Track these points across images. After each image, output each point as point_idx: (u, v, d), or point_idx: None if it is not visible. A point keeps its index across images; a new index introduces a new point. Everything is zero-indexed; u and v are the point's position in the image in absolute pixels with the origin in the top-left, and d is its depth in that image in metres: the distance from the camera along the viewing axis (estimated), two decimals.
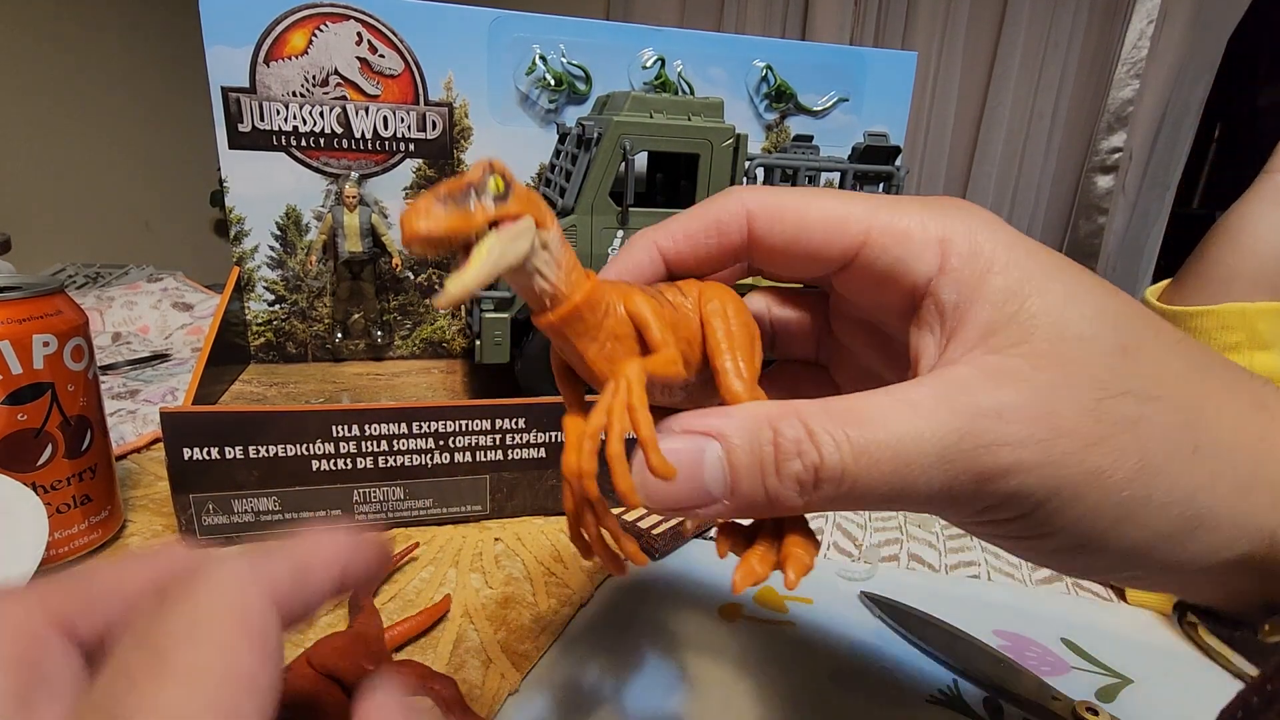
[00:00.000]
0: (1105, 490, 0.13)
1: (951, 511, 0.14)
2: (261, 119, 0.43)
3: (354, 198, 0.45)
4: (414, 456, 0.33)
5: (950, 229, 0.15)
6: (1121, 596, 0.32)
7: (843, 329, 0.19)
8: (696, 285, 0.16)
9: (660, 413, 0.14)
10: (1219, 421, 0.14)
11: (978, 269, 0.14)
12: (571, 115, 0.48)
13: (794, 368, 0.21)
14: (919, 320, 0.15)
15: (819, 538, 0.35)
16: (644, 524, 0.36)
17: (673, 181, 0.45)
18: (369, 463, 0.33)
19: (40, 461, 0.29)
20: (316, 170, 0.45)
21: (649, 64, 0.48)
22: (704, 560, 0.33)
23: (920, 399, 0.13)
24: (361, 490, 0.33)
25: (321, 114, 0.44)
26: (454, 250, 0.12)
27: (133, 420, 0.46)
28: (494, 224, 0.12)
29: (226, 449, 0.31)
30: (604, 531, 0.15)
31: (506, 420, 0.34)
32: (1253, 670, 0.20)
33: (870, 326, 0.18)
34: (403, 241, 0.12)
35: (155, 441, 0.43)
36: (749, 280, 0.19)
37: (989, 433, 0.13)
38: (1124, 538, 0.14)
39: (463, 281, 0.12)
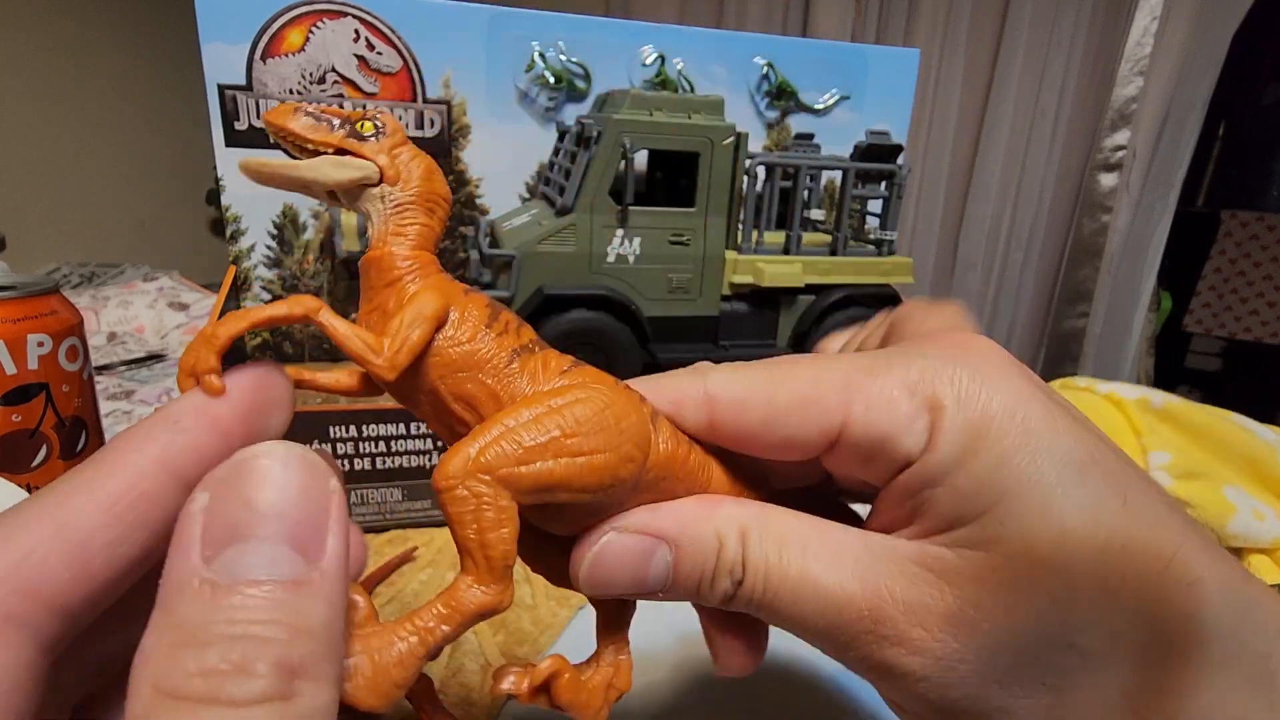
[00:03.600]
0: None
1: (853, 668, 0.14)
2: (258, 117, 0.43)
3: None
4: (412, 457, 0.33)
5: (941, 391, 0.13)
6: None
7: (831, 469, 0.16)
8: (597, 379, 0.14)
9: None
10: (1182, 705, 0.11)
11: (961, 449, 0.12)
12: (571, 113, 0.47)
13: None
14: (895, 487, 0.13)
15: None
16: None
17: (673, 180, 0.45)
18: (366, 464, 0.33)
19: (35, 463, 0.29)
20: None
21: (649, 62, 0.48)
22: None
23: (851, 555, 0.13)
24: (359, 492, 0.33)
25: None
26: (300, 152, 0.14)
27: (128, 421, 0.46)
28: (343, 154, 0.13)
29: None
30: None
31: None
32: None
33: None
34: (262, 118, 0.13)
35: None
36: None
37: (888, 624, 0.12)
38: None
39: (261, 161, 0.13)
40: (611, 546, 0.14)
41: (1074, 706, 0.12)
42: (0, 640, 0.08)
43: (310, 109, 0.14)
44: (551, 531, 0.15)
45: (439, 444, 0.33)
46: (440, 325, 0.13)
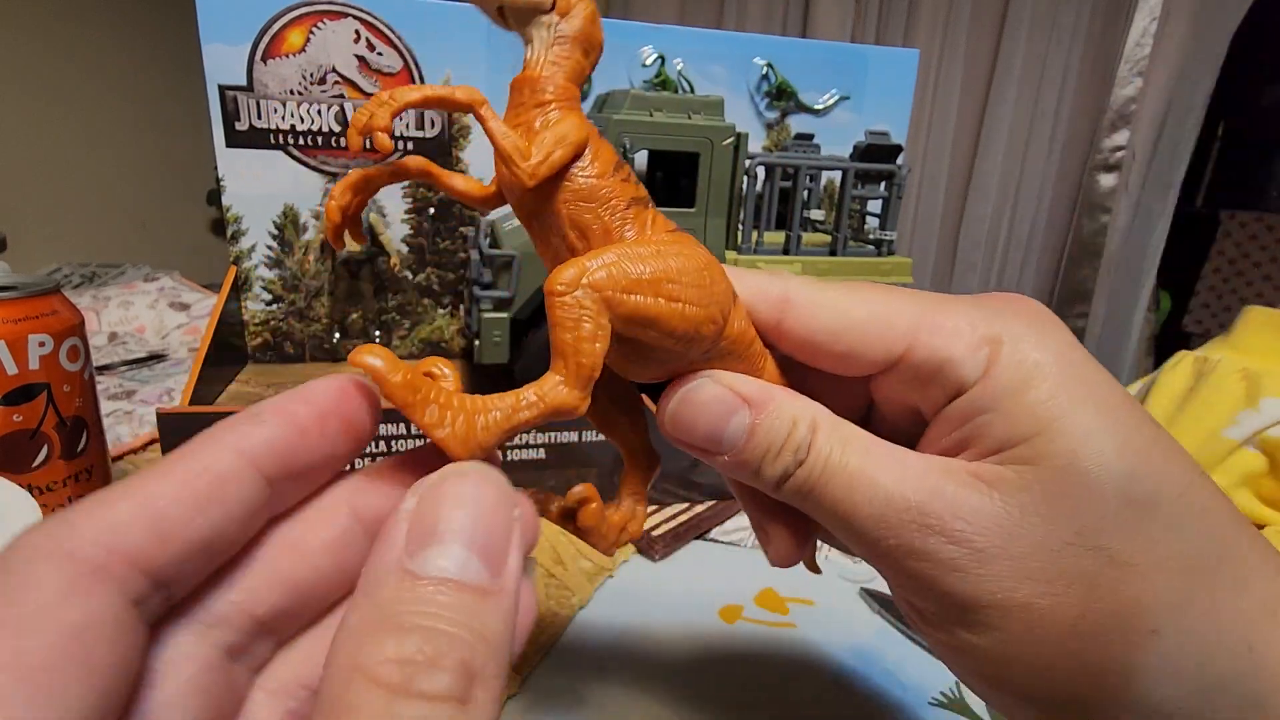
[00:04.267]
0: (1031, 629, 0.13)
1: (881, 569, 0.15)
2: (259, 117, 0.43)
3: None
4: None
5: (1000, 331, 0.14)
6: None
7: (881, 396, 0.17)
8: (693, 243, 0.15)
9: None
10: (1202, 615, 0.13)
11: (1017, 380, 0.14)
12: None
13: None
14: (950, 414, 0.15)
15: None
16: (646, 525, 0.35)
17: (673, 180, 0.45)
18: (367, 464, 0.33)
19: (36, 463, 0.29)
20: (314, 169, 0.45)
21: (649, 62, 0.48)
22: (704, 561, 0.33)
23: (908, 462, 0.14)
24: None
25: (319, 112, 0.43)
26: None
27: (129, 421, 0.46)
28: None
29: None
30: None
31: None
32: None
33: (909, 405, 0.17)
34: None
35: (152, 443, 0.43)
36: None
37: (933, 516, 0.13)
38: (1047, 686, 0.13)
39: None
40: (702, 392, 0.15)
41: (1100, 609, 0.13)
42: (93, 588, 0.09)
43: None
44: (623, 375, 0.16)
45: None
46: (578, 154, 0.14)
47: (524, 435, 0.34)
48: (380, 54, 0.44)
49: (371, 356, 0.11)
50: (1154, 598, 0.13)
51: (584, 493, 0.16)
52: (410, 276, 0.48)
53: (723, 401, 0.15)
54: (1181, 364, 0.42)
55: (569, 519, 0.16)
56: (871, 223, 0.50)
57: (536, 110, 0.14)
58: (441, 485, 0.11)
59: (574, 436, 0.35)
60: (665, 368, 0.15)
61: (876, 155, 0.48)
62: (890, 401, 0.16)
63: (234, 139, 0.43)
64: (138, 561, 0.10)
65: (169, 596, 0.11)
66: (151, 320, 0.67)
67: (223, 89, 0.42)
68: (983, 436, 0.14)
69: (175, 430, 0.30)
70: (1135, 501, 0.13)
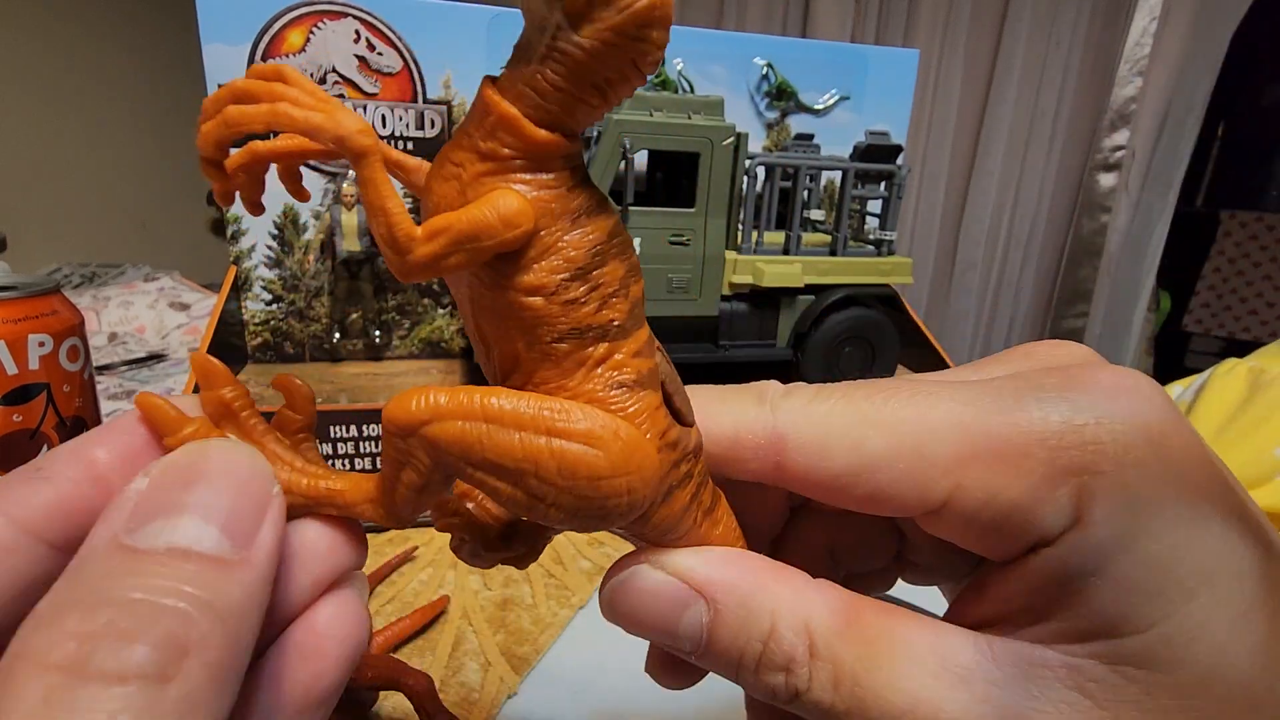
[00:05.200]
0: None
1: None
2: None
3: (352, 196, 0.44)
4: None
5: (1090, 443, 0.09)
6: None
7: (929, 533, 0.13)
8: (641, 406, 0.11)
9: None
10: None
11: (1132, 525, 0.09)
12: None
13: None
14: (1025, 570, 0.10)
15: None
16: None
17: (673, 180, 0.45)
18: (367, 463, 0.33)
19: None
20: (314, 169, 0.45)
21: None
22: None
23: (972, 669, 0.10)
24: None
25: None
26: None
27: None
28: None
29: None
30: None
31: None
32: None
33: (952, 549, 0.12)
34: None
35: None
36: None
37: None
38: None
39: None
40: (639, 583, 0.12)
41: None
42: None
43: None
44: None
45: None
46: (503, 250, 0.11)
47: None
48: (380, 54, 0.44)
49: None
50: None
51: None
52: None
53: (666, 594, 0.12)
54: (1235, 372, 0.41)
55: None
56: (871, 223, 0.50)
57: (484, 162, 0.10)
58: (176, 462, 0.09)
59: None
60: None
61: (876, 155, 0.48)
62: (941, 541, 0.12)
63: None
64: None
65: None
66: (151, 320, 0.67)
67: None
68: (1079, 609, 0.10)
69: None
70: (1260, 706, 0.09)
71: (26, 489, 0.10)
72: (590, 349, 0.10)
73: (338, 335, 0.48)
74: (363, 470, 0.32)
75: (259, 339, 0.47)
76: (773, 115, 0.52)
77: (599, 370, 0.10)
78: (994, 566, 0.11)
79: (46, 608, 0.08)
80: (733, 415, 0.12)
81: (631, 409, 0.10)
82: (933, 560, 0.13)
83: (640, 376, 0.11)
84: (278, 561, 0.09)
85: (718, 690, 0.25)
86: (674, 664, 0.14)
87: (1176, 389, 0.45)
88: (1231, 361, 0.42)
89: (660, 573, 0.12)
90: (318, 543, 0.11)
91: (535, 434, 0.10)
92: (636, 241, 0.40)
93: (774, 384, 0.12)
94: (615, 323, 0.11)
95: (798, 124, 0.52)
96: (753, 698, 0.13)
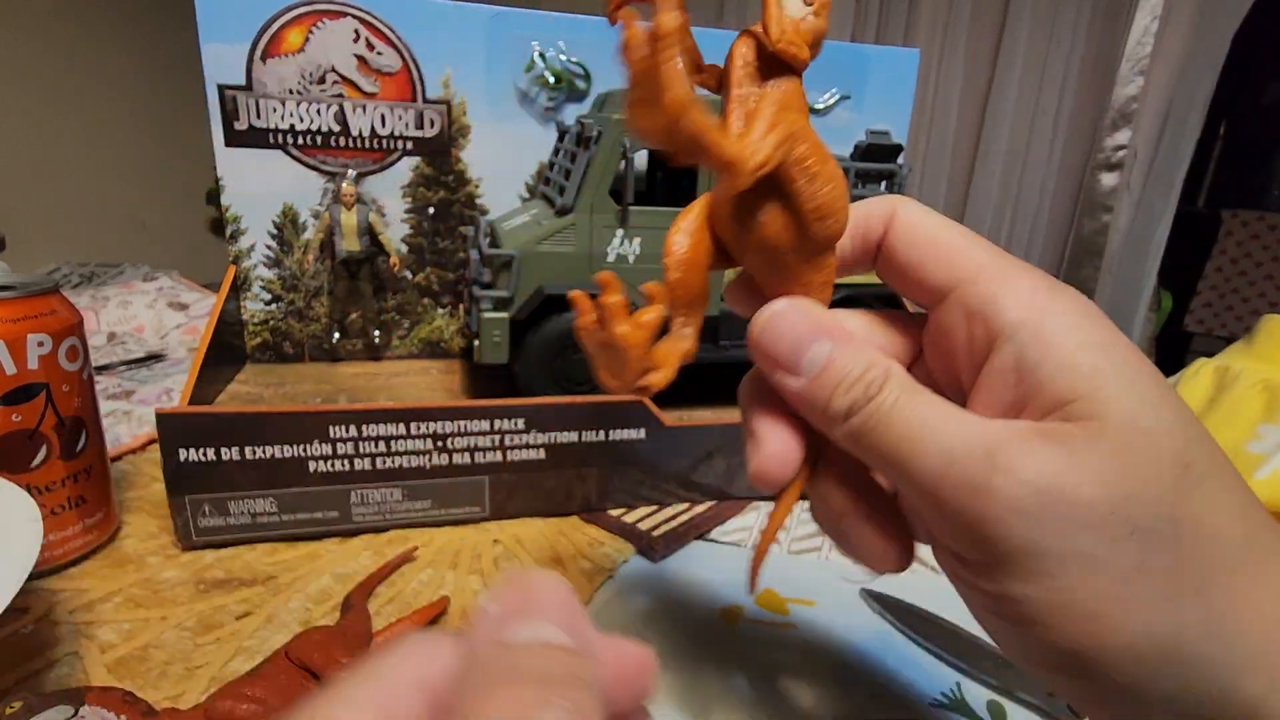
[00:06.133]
0: (1084, 578, 0.13)
1: (933, 514, 0.15)
2: (258, 117, 0.43)
3: (351, 196, 0.44)
4: (412, 458, 0.33)
5: (1055, 296, 0.15)
6: None
7: (933, 359, 0.18)
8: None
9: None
10: (1242, 585, 0.13)
11: (1071, 333, 0.14)
12: (571, 113, 0.47)
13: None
14: (1000, 367, 0.15)
15: (821, 538, 0.35)
16: (644, 525, 0.35)
17: (673, 180, 0.45)
18: (367, 464, 0.32)
19: (34, 463, 0.29)
20: (314, 168, 0.45)
21: None
22: (705, 562, 0.33)
23: (971, 416, 0.15)
24: (359, 492, 0.33)
25: (319, 112, 0.43)
26: None
27: (128, 421, 0.46)
28: None
29: (223, 450, 0.30)
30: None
31: (505, 421, 0.34)
32: None
33: (953, 374, 0.18)
34: None
35: (151, 443, 0.43)
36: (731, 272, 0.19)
37: (1001, 455, 0.14)
38: (1092, 641, 0.13)
39: None
40: (793, 313, 0.16)
41: (1153, 564, 0.13)
42: None
43: None
44: (745, 261, 0.17)
45: (439, 444, 0.33)
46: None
47: (521, 436, 0.34)
48: (380, 53, 0.44)
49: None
50: (1204, 559, 0.13)
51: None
52: (410, 276, 0.48)
53: (810, 326, 0.16)
54: (1202, 373, 0.41)
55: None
56: None
57: (785, 81, 0.16)
58: (517, 584, 0.12)
59: (574, 437, 0.35)
60: (783, 274, 0.17)
61: (877, 155, 0.48)
62: (937, 356, 0.17)
63: (233, 138, 0.43)
64: None
65: None
66: (150, 320, 0.67)
67: (222, 88, 0.42)
68: (1038, 394, 0.14)
69: (174, 430, 0.30)
70: (1191, 465, 0.13)
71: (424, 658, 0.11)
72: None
73: (337, 335, 0.48)
74: (362, 470, 0.33)
75: (258, 339, 0.47)
76: None
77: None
78: (980, 377, 0.16)
79: (465, 694, 0.09)
80: (868, 205, 0.18)
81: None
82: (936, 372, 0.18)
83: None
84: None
85: (718, 691, 0.25)
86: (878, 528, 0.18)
87: None
88: (1200, 362, 0.42)
89: (808, 313, 0.16)
90: (622, 670, 0.13)
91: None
92: (636, 241, 0.40)
93: (898, 196, 0.18)
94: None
95: None
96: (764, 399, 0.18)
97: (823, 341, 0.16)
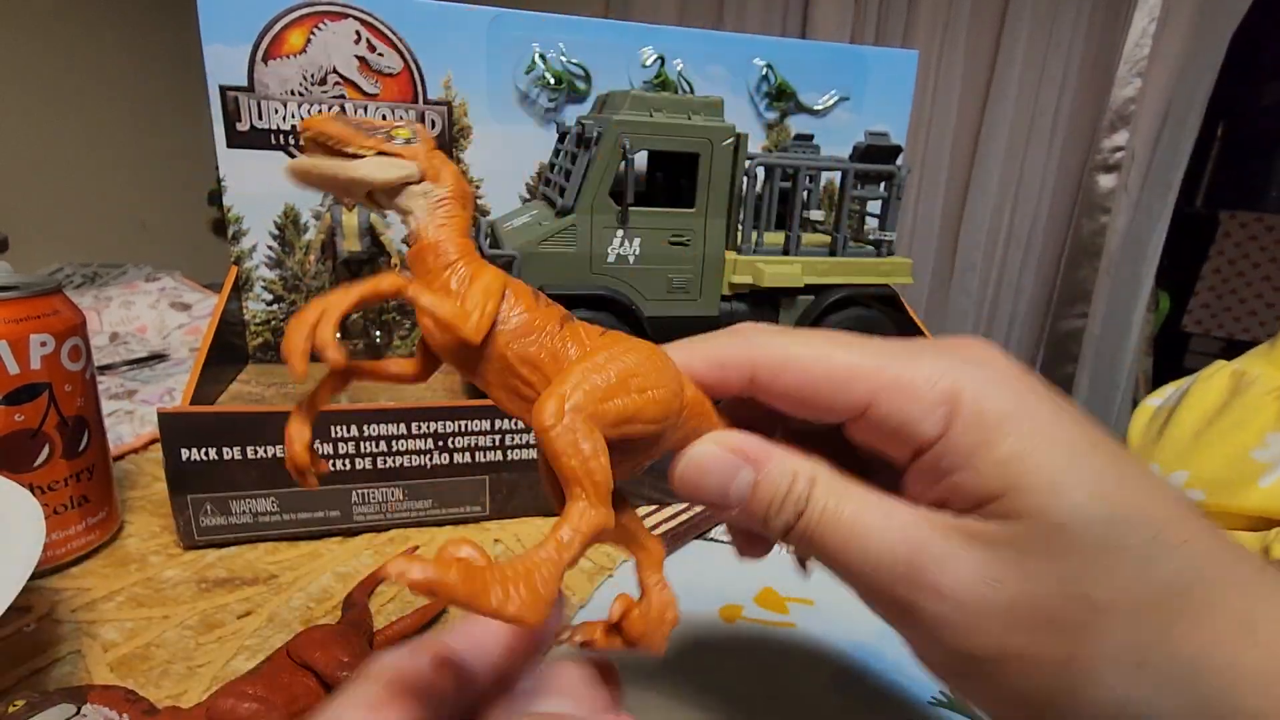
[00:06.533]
0: (1026, 675, 0.14)
1: (885, 619, 0.16)
2: (260, 118, 0.43)
3: None
4: (413, 457, 0.33)
5: (959, 384, 0.14)
6: None
7: (853, 439, 0.18)
8: (627, 338, 0.16)
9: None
10: (1181, 644, 0.13)
11: (980, 436, 0.14)
12: (571, 114, 0.48)
13: None
14: (920, 469, 0.15)
15: None
16: (646, 524, 0.35)
17: (673, 181, 0.45)
18: (368, 464, 0.33)
19: (37, 462, 0.29)
20: None
21: (649, 63, 0.48)
22: (704, 561, 0.33)
23: (898, 514, 0.15)
24: (360, 491, 0.33)
25: (320, 112, 0.43)
26: (332, 150, 0.14)
27: (130, 421, 0.46)
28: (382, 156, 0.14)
29: (224, 450, 0.31)
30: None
31: (506, 421, 0.34)
32: None
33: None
34: (299, 126, 0.14)
35: (153, 442, 0.43)
36: None
37: (921, 573, 0.14)
38: (1054, 716, 0.14)
39: (311, 162, 0.14)
40: (707, 454, 0.16)
41: (1089, 651, 0.14)
42: None
43: (344, 119, 0.15)
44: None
45: (439, 444, 0.33)
46: (502, 299, 0.15)
47: (522, 435, 0.35)
48: (381, 54, 0.44)
49: (418, 569, 0.11)
50: (1137, 635, 0.14)
51: (623, 605, 0.16)
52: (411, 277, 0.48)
53: (726, 461, 0.16)
54: (1218, 375, 0.41)
55: (616, 634, 0.16)
56: (871, 223, 0.50)
57: (446, 272, 0.15)
58: (537, 676, 0.14)
59: None
60: (647, 456, 0.16)
61: (876, 156, 0.48)
62: (862, 445, 0.17)
63: (235, 139, 0.43)
64: None
65: None
66: (153, 320, 0.67)
67: (224, 89, 0.42)
68: (958, 495, 0.14)
69: (176, 430, 0.30)
70: (1109, 546, 0.13)
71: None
72: (574, 325, 0.15)
73: (338, 335, 0.48)
74: (363, 470, 0.33)
75: (260, 339, 0.48)
76: (772, 116, 0.52)
77: (590, 332, 0.15)
78: (906, 472, 0.16)
79: None
80: (716, 346, 0.17)
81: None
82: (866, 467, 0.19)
83: (610, 331, 0.16)
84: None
85: (717, 690, 0.25)
86: (752, 538, 0.18)
87: (1169, 389, 0.45)
88: (1218, 364, 0.42)
89: (721, 447, 0.16)
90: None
91: (617, 359, 0.15)
92: (637, 241, 0.40)
93: (747, 324, 0.17)
94: (565, 312, 0.16)
95: (797, 124, 0.53)
96: (740, 533, 0.18)
97: (744, 470, 0.16)
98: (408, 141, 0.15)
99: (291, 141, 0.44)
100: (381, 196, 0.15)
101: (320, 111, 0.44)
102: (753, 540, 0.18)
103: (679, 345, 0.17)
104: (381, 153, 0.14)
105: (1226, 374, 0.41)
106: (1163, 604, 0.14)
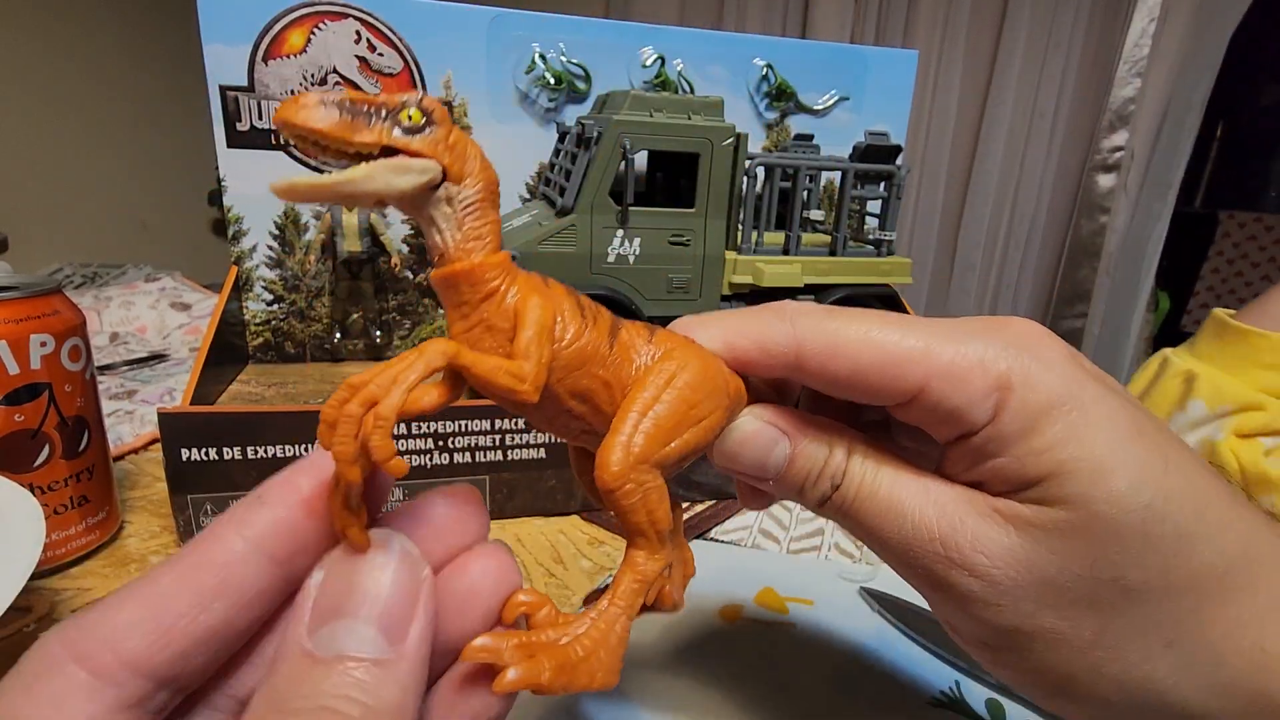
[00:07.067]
0: (1052, 650, 0.14)
1: (916, 588, 0.16)
2: (260, 118, 0.43)
3: None
4: (413, 457, 0.33)
5: (1010, 370, 0.14)
6: None
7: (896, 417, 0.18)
8: (674, 341, 0.15)
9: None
10: (1213, 622, 0.14)
11: (1025, 426, 0.14)
12: (571, 114, 0.48)
13: None
14: (964, 450, 0.15)
15: (819, 538, 0.35)
16: None
17: (673, 180, 0.45)
18: None
19: (37, 462, 0.29)
20: (315, 169, 0.45)
21: (649, 63, 0.48)
22: (704, 561, 0.33)
23: (934, 490, 0.15)
24: None
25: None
26: (333, 155, 0.11)
27: (130, 421, 0.46)
28: (391, 153, 0.12)
29: (225, 450, 0.31)
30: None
31: (506, 421, 0.34)
32: None
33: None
34: (273, 120, 0.11)
35: (153, 442, 0.43)
36: None
37: (955, 549, 0.14)
38: (1079, 688, 0.14)
39: (295, 181, 0.11)
40: (747, 427, 0.16)
41: (1117, 629, 0.14)
42: (89, 694, 0.10)
43: (334, 99, 0.11)
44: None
45: (439, 443, 0.33)
46: (553, 334, 0.13)
47: (522, 435, 0.35)
48: (381, 54, 0.44)
49: (511, 674, 0.11)
50: (1167, 615, 0.14)
51: (659, 581, 0.15)
52: (411, 276, 0.48)
53: (765, 434, 0.16)
54: (1154, 361, 0.44)
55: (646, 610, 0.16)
56: (871, 223, 0.50)
57: (486, 304, 0.12)
58: (345, 557, 0.11)
59: None
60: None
61: (876, 156, 0.48)
62: (905, 422, 0.17)
63: (235, 139, 0.43)
64: (137, 665, 0.10)
65: (180, 689, 0.11)
66: (153, 320, 0.67)
67: (224, 89, 0.42)
68: (998, 479, 0.15)
69: (176, 430, 0.30)
70: (1149, 535, 0.13)
71: (251, 512, 0.12)
72: (622, 333, 0.14)
73: (338, 335, 0.48)
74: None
75: (260, 339, 0.48)
76: (772, 116, 0.52)
77: (636, 337, 0.14)
78: (946, 450, 0.16)
79: (254, 706, 0.10)
80: (759, 327, 0.16)
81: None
82: (905, 441, 0.18)
83: (654, 333, 0.15)
84: (430, 646, 0.11)
85: (717, 689, 0.25)
86: (755, 493, 0.19)
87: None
88: (1161, 352, 0.45)
89: (761, 421, 0.16)
90: (481, 585, 0.13)
91: (673, 384, 0.14)
92: (637, 241, 0.40)
93: (790, 303, 0.16)
94: (612, 318, 0.14)
95: (797, 124, 0.53)
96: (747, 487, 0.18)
97: (780, 443, 0.16)
98: (420, 127, 0.12)
99: (291, 142, 0.44)
100: (402, 205, 0.12)
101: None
102: (756, 493, 0.18)
103: (720, 318, 0.16)
104: (388, 148, 0.12)
105: (1157, 360, 0.44)
106: (1197, 587, 0.14)
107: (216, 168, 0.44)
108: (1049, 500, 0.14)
